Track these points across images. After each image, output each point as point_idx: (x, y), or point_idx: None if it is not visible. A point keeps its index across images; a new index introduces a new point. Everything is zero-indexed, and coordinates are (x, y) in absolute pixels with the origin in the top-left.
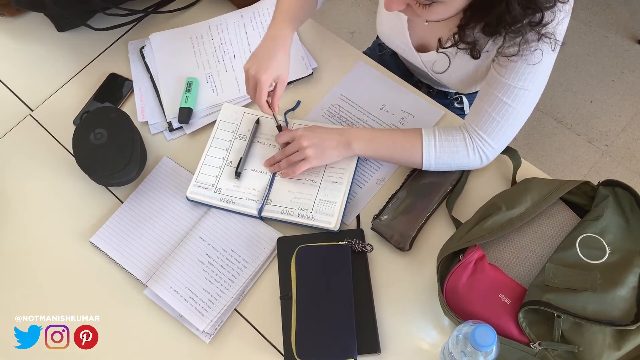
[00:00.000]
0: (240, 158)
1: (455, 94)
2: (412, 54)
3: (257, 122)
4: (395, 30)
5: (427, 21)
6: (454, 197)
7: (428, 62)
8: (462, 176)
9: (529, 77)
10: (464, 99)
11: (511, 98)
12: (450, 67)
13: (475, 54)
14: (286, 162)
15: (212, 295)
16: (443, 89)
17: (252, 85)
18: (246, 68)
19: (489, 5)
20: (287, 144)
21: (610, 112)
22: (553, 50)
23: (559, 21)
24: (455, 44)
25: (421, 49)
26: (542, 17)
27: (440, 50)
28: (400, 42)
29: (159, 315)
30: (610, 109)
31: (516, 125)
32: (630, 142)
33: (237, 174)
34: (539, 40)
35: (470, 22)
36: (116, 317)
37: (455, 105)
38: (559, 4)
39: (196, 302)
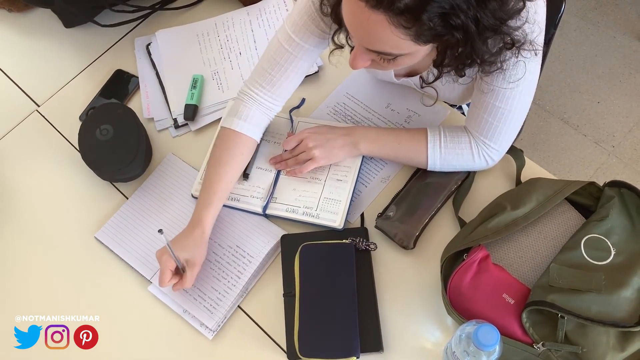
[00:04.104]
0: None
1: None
2: (403, 81)
3: None
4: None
5: None
6: (461, 197)
7: (417, 86)
8: (469, 176)
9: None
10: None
11: (503, 101)
12: (440, 92)
13: (460, 73)
14: (294, 160)
15: (219, 293)
16: None
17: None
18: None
19: (455, 48)
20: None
21: (617, 113)
22: (536, 55)
23: (539, 32)
24: (437, 78)
25: (409, 74)
26: (512, 40)
27: (425, 85)
28: (385, 76)
29: (161, 311)
30: (617, 109)
31: (516, 124)
32: (638, 144)
33: (246, 176)
34: (517, 55)
35: (442, 61)
36: (117, 315)
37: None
38: (530, 19)
39: (205, 300)
